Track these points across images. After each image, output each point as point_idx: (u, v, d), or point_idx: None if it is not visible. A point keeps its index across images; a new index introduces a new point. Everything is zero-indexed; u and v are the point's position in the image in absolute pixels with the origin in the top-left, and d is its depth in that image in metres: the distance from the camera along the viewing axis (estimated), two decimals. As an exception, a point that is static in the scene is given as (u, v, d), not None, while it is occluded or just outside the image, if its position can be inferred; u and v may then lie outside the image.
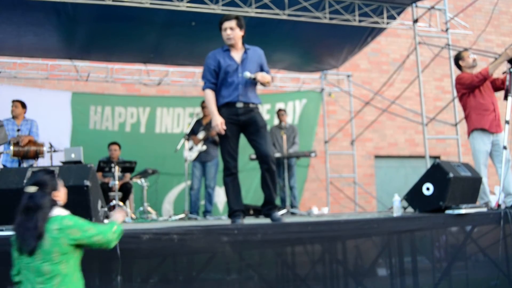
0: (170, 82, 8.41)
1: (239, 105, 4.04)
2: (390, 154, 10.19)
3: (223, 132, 3.97)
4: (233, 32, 4.03)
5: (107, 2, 5.28)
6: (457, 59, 5.25)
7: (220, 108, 4.12)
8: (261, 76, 4.03)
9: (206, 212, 6.49)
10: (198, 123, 6.60)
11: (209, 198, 6.51)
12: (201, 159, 6.50)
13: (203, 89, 4.14)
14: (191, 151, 6.42)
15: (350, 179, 9.00)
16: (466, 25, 7.76)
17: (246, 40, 4.21)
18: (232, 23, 4.04)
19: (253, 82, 4.13)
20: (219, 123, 3.96)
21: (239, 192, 4.10)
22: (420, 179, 4.45)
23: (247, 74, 3.99)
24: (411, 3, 6.47)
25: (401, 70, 7.91)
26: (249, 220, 4.57)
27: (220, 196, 7.79)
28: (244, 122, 4.07)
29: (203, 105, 6.69)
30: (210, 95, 4.09)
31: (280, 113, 7.29)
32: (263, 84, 4.12)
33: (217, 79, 4.09)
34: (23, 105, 5.77)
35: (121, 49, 7.16)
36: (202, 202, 6.68)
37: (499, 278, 4.19)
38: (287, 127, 7.12)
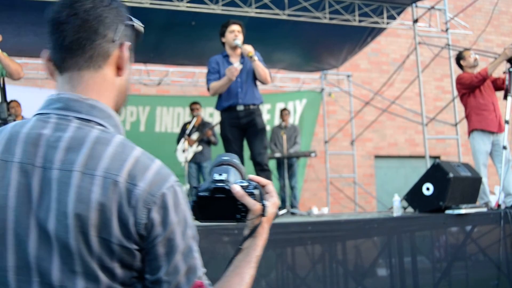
0: (170, 82, 8.41)
1: (240, 108, 4.17)
2: (390, 154, 10.19)
3: (236, 70, 4.00)
4: (240, 35, 4.16)
5: (107, 2, 5.28)
6: (459, 58, 5.26)
7: (222, 113, 4.27)
8: (246, 46, 4.09)
9: None
10: (185, 127, 6.65)
11: None
12: (196, 160, 6.52)
13: (208, 86, 4.23)
14: (184, 153, 6.43)
15: (350, 179, 9.00)
16: (466, 25, 7.76)
17: (246, 40, 4.23)
18: (239, 28, 4.19)
19: (253, 82, 4.20)
20: (228, 71, 4.00)
21: None
22: (420, 179, 4.45)
23: (238, 42, 4.10)
24: (411, 3, 6.46)
25: (401, 70, 7.91)
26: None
27: None
28: (245, 125, 4.18)
29: (192, 107, 6.76)
30: (215, 83, 4.17)
31: (283, 112, 7.33)
32: (261, 81, 4.19)
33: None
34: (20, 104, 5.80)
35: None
36: None
37: (499, 278, 4.19)
38: (289, 127, 7.12)
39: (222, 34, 4.23)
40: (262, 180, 1.10)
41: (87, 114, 0.92)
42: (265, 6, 5.88)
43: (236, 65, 4.04)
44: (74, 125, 0.90)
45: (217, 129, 7.54)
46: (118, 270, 0.85)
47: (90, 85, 0.95)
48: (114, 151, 0.87)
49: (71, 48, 0.93)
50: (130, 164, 0.87)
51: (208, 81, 4.22)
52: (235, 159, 1.13)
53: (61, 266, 0.83)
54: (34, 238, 0.84)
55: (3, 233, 0.85)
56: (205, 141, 6.55)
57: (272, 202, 1.09)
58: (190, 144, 6.45)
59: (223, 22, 4.29)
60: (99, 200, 0.83)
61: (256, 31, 6.05)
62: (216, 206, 1.06)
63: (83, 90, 0.94)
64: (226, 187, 1.04)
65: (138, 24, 1.05)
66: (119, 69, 0.98)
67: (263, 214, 1.05)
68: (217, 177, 1.05)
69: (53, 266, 0.83)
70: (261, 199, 1.06)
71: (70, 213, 0.82)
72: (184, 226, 0.89)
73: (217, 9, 5.66)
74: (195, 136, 6.50)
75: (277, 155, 6.57)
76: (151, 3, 5.44)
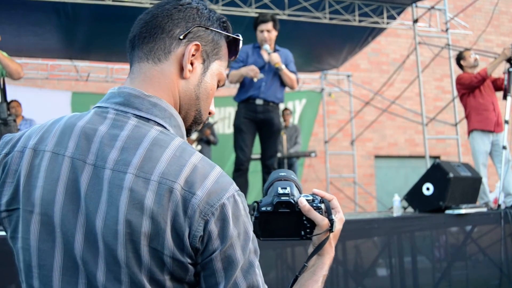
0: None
1: (259, 102, 4.12)
2: (390, 154, 10.19)
3: (258, 75, 3.98)
4: (269, 34, 4.09)
5: (107, 2, 5.28)
6: (459, 58, 5.26)
7: (239, 104, 4.21)
8: (274, 55, 4.07)
9: None
10: None
11: None
12: None
13: (227, 73, 4.19)
14: None
15: (350, 179, 9.00)
16: (466, 25, 7.77)
17: (245, 40, 4.23)
18: (269, 26, 4.11)
19: (279, 82, 4.20)
20: (252, 68, 3.99)
21: (243, 190, 4.15)
22: (420, 179, 4.45)
23: (267, 47, 4.06)
24: (411, 3, 6.46)
25: (401, 70, 7.91)
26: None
27: None
28: (261, 121, 4.14)
29: None
30: (235, 71, 4.11)
31: (285, 112, 7.34)
32: (288, 86, 4.21)
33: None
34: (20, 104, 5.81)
35: (121, 49, 7.11)
36: None
37: (501, 279, 4.19)
38: (289, 127, 7.13)
39: (255, 28, 4.20)
40: (326, 194, 1.04)
41: (147, 113, 0.87)
42: (265, 6, 5.88)
43: (259, 75, 4.02)
44: (132, 123, 0.85)
45: (216, 128, 7.55)
46: (168, 283, 0.79)
47: (147, 77, 0.90)
48: (171, 155, 0.81)
49: (134, 41, 0.94)
50: (188, 170, 0.80)
51: (231, 68, 4.18)
52: (293, 175, 1.07)
53: (106, 273, 0.78)
54: (80, 238, 0.79)
55: (52, 230, 0.81)
56: (204, 141, 6.56)
57: (339, 217, 1.05)
58: (190, 144, 6.48)
59: (256, 17, 4.25)
60: (152, 207, 0.77)
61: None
62: (280, 222, 0.99)
63: (141, 82, 0.90)
64: (292, 201, 0.98)
65: (223, 33, 0.97)
66: (182, 69, 0.92)
67: (330, 230, 1.01)
68: (281, 190, 0.99)
69: (98, 271, 0.78)
70: (328, 214, 1.01)
71: (121, 218, 0.77)
72: (244, 239, 0.82)
73: (217, 9, 5.66)
74: (194, 135, 6.51)
75: (277, 155, 6.57)
76: (151, 3, 5.44)
